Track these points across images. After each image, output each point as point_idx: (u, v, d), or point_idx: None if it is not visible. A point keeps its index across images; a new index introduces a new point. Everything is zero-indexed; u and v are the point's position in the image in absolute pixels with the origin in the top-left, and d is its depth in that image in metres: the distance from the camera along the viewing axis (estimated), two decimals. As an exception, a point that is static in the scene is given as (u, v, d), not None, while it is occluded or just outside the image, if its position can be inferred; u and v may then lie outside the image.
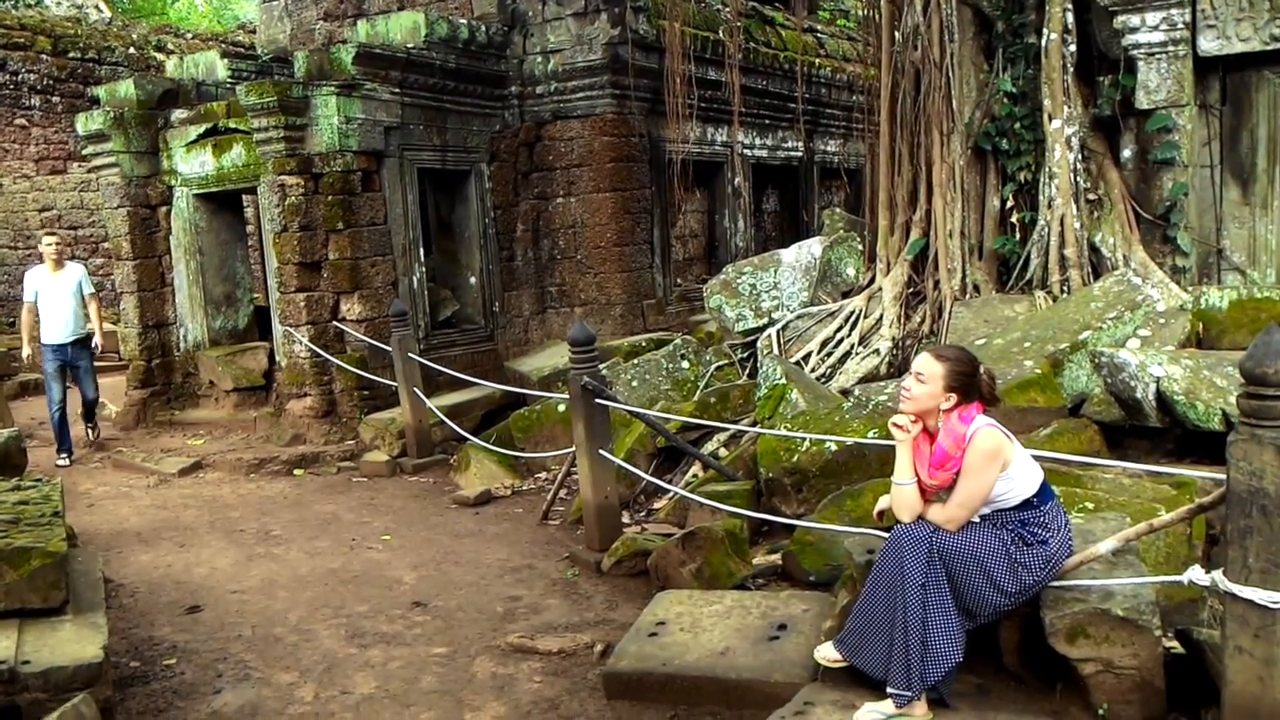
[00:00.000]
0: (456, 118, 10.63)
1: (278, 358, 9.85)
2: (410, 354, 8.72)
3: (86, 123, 10.25)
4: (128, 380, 10.69)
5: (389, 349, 8.91)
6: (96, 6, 19.88)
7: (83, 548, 5.94)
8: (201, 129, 9.97)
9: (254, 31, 16.42)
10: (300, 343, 9.38)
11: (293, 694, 4.60)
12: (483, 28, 10.80)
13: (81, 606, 4.59)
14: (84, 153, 10.84)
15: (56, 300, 9.16)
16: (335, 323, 9.54)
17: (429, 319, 10.49)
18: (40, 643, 4.14)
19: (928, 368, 3.63)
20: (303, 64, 9.34)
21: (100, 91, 10.77)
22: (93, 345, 9.55)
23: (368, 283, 9.58)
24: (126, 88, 10.29)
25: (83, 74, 16.24)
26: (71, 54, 16.25)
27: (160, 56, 16.70)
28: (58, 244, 9.39)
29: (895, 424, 3.68)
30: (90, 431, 9.96)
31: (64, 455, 9.45)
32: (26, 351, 9.54)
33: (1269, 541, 3.08)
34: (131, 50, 17.06)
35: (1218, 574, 3.23)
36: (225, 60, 11.38)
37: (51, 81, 15.95)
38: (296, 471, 8.83)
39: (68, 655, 4.06)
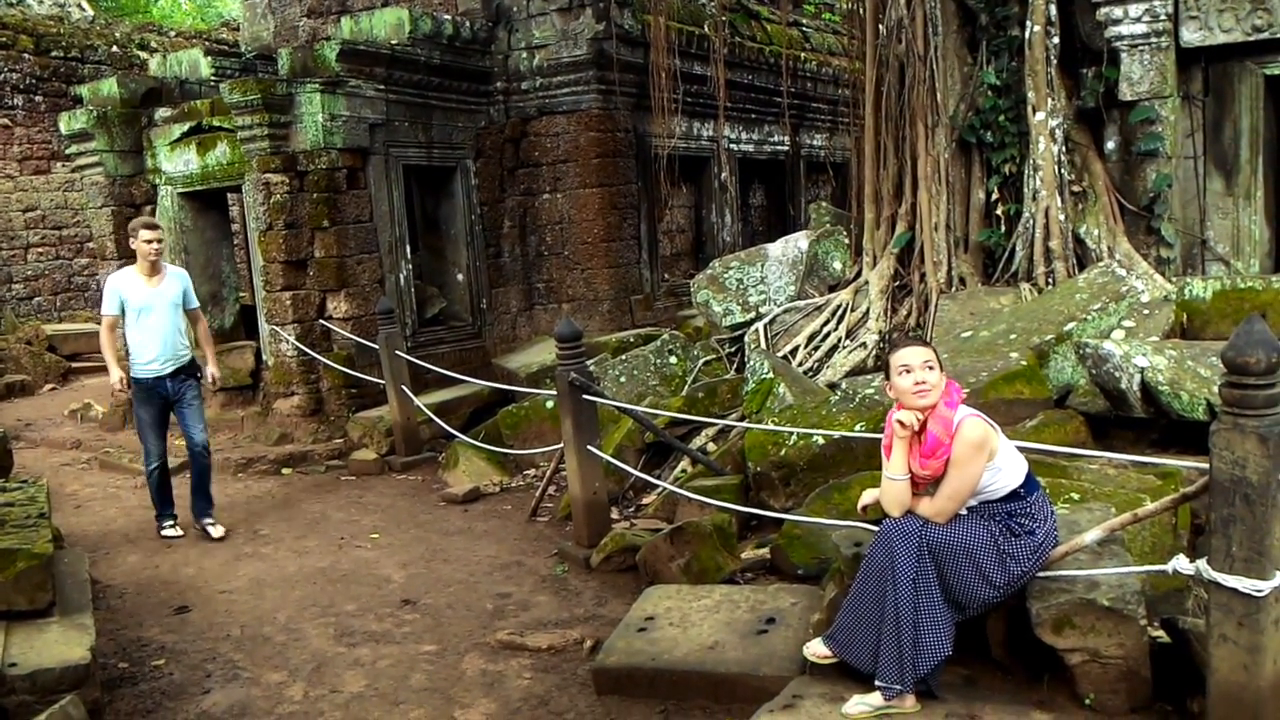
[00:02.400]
0: (442, 114, 10.60)
1: (264, 357, 9.81)
2: (397, 352, 8.70)
3: (70, 122, 10.19)
4: (114, 380, 10.61)
5: (376, 347, 8.89)
6: (79, 5, 19.76)
7: (70, 549, 5.93)
8: (185, 127, 9.92)
9: (237, 29, 16.35)
10: (287, 341, 9.35)
11: (282, 693, 4.59)
12: (467, 24, 10.77)
13: (68, 608, 4.58)
14: (67, 152, 10.78)
15: (152, 316, 6.68)
16: (322, 321, 9.51)
17: (416, 316, 10.47)
18: (27, 645, 4.13)
19: (929, 354, 3.60)
20: (287, 61, 9.30)
21: (83, 90, 10.72)
22: (202, 377, 7.07)
23: (354, 281, 9.56)
24: (109, 86, 10.23)
25: (66, 73, 16.14)
26: (54, 53, 16.14)
27: (143, 55, 16.60)
28: (159, 240, 6.73)
29: (901, 421, 3.62)
30: (205, 522, 7.01)
31: (170, 522, 7.03)
32: (118, 375, 6.80)
33: (1252, 530, 3.10)
34: (114, 49, 16.96)
35: (1202, 563, 3.25)
36: (209, 58, 11.32)
37: (34, 81, 15.85)
38: (284, 471, 8.80)
39: (55, 657, 4.05)
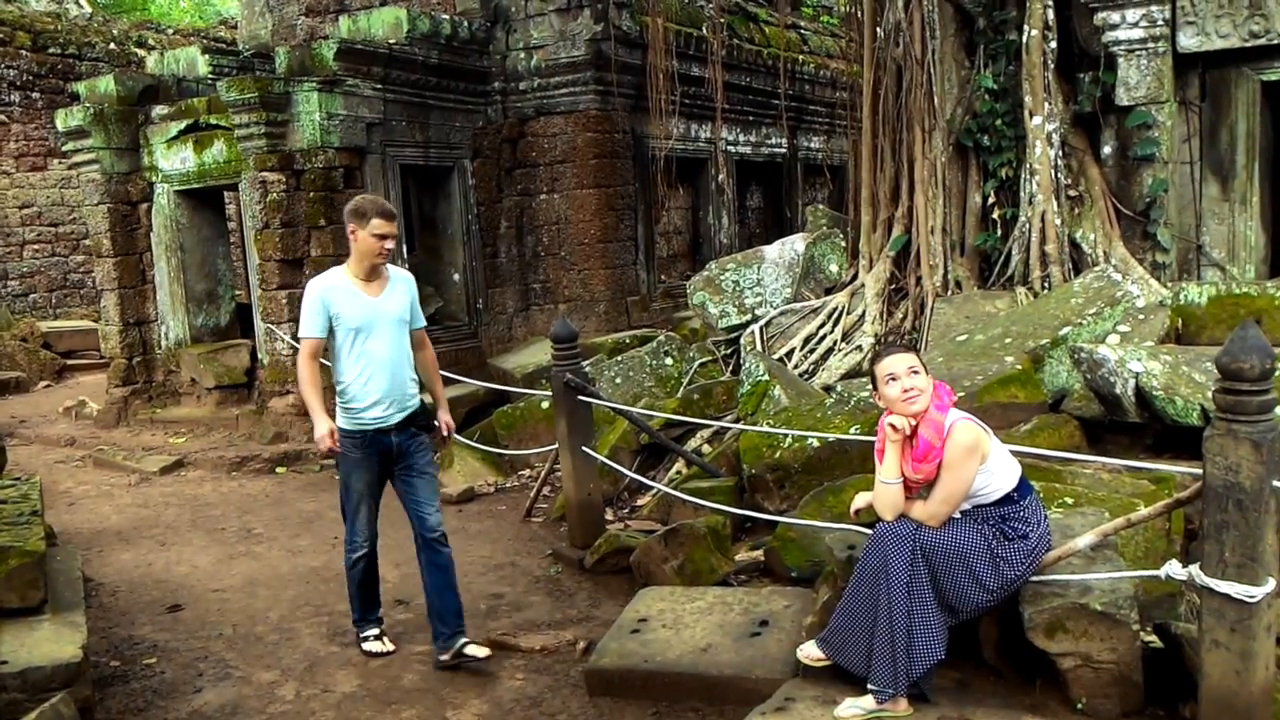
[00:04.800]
0: (439, 114, 10.60)
1: (260, 355, 9.81)
2: (393, 351, 8.67)
3: (66, 119, 10.17)
4: (108, 378, 10.63)
5: (372, 346, 8.85)
6: (77, 2, 19.73)
7: (62, 547, 5.91)
8: (182, 125, 9.91)
9: (235, 27, 16.34)
10: (282, 340, 9.34)
11: (274, 692, 4.59)
12: (465, 23, 10.77)
13: (60, 606, 4.57)
14: (64, 149, 10.76)
15: (375, 339, 4.65)
16: (318, 320, 9.47)
17: (412, 316, 10.43)
18: (18, 642, 4.12)
19: (913, 359, 3.63)
20: (284, 60, 9.29)
21: (80, 88, 10.70)
22: (437, 427, 4.99)
23: (350, 280, 9.53)
24: (106, 84, 10.22)
25: (63, 70, 16.13)
26: (51, 50, 16.13)
27: (141, 52, 16.58)
28: (394, 234, 4.65)
29: (893, 425, 3.63)
30: (461, 643, 4.70)
31: (373, 631, 4.99)
32: (326, 426, 4.60)
33: (1245, 536, 3.11)
34: (112, 46, 16.95)
35: (1194, 568, 3.25)
36: (206, 56, 11.30)
37: (31, 77, 15.83)
38: (279, 469, 8.79)
39: (46, 655, 4.04)
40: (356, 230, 4.55)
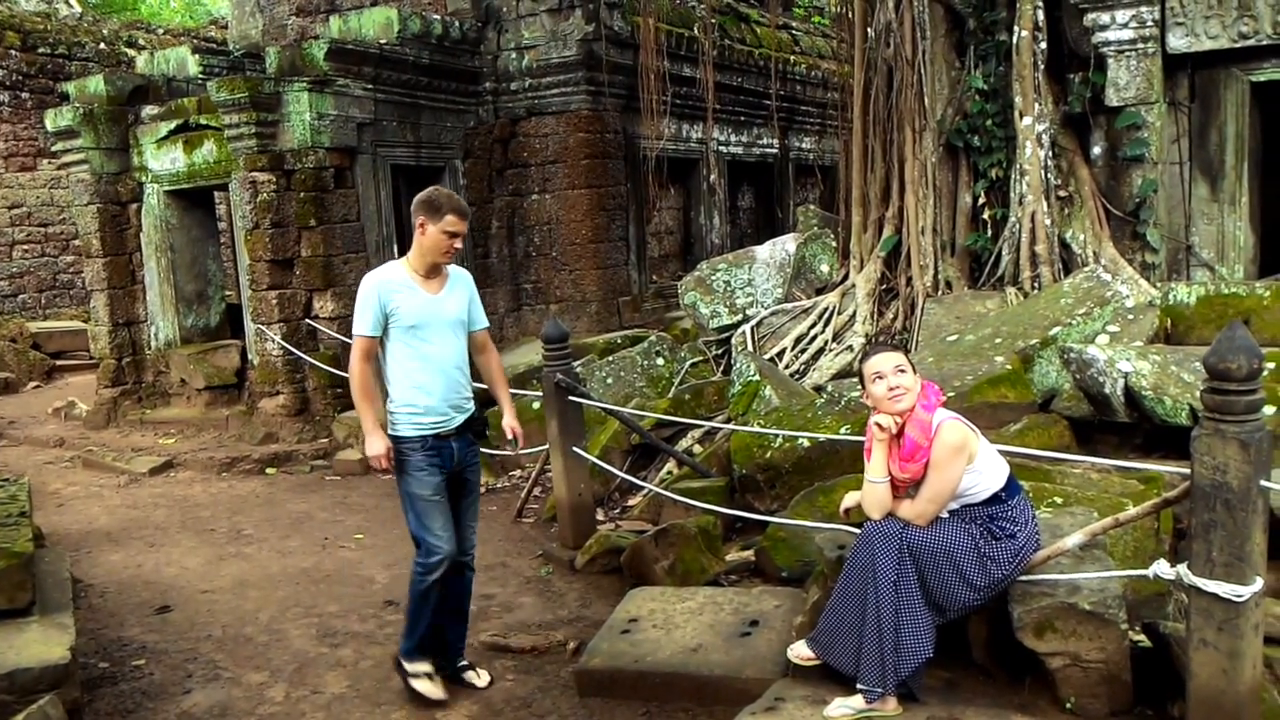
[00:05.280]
0: (430, 114, 10.59)
1: (250, 356, 9.79)
2: (384, 351, 8.66)
3: (56, 119, 10.14)
4: (98, 379, 10.59)
5: (362, 347, 8.84)
6: (67, 2, 19.66)
7: (51, 548, 5.89)
8: (172, 125, 9.89)
9: (226, 27, 16.30)
10: (273, 341, 9.32)
11: (263, 694, 4.57)
12: (456, 24, 10.76)
13: (49, 607, 4.55)
14: (53, 149, 10.73)
15: (433, 340, 4.36)
16: (308, 320, 9.48)
17: (403, 316, 10.42)
18: (5, 644, 4.10)
19: (900, 358, 3.64)
20: (274, 60, 9.27)
21: (70, 88, 10.66)
22: (499, 433, 4.88)
23: (341, 280, 9.52)
24: (96, 84, 10.19)
25: (52, 70, 16.06)
26: (41, 49, 16.07)
27: (131, 52, 16.52)
28: (463, 232, 4.37)
29: (879, 424, 3.64)
30: (461, 665, 4.61)
31: (425, 668, 4.43)
32: (383, 445, 4.28)
33: (1232, 535, 3.12)
34: (102, 46, 16.89)
35: (1182, 568, 3.26)
36: (196, 56, 11.27)
37: (20, 77, 15.77)
38: (269, 470, 8.77)
39: (34, 656, 4.02)
40: (426, 224, 4.25)
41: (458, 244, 4.34)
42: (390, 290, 4.28)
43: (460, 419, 4.42)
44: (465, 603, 4.62)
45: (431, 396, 4.32)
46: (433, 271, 4.38)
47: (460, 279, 4.53)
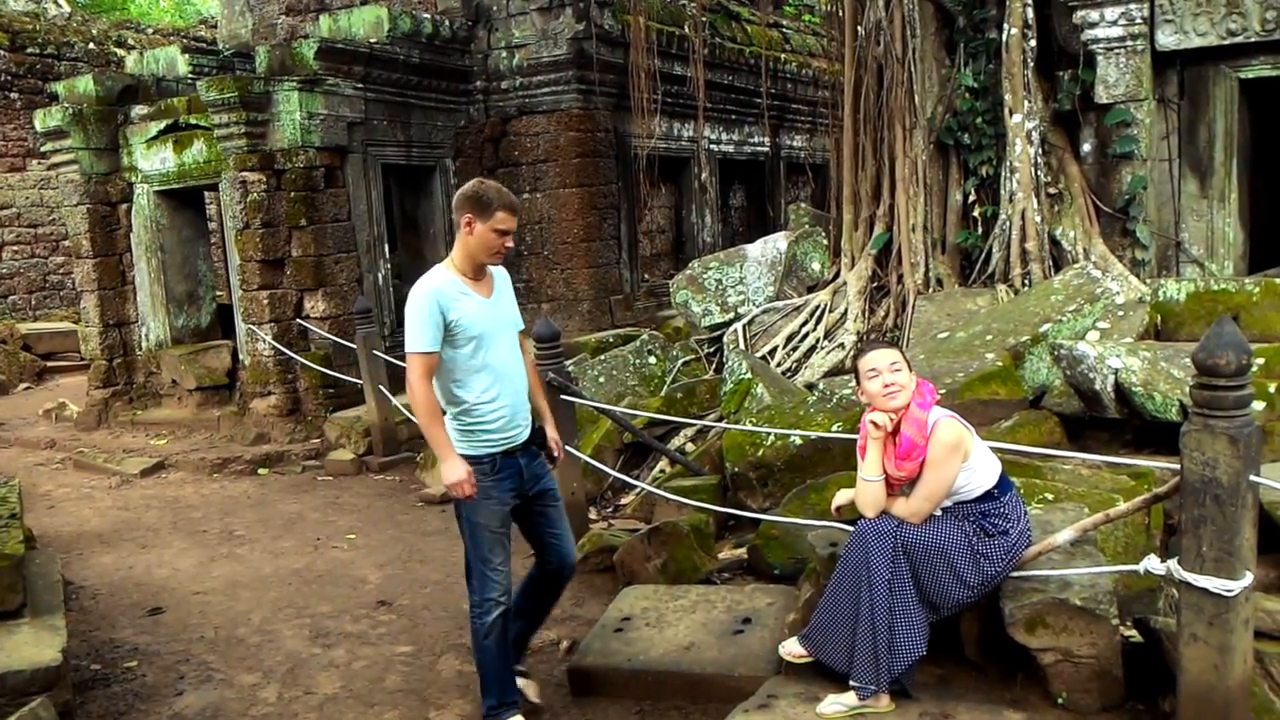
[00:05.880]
0: (420, 113, 10.57)
1: (241, 356, 9.76)
2: (375, 351, 8.67)
3: (45, 119, 10.10)
4: (89, 380, 10.56)
5: (354, 347, 8.86)
6: (56, 1, 19.58)
7: (42, 550, 5.87)
8: (162, 125, 9.86)
9: (215, 27, 16.24)
10: (264, 341, 9.30)
11: (255, 695, 4.56)
12: (446, 22, 10.74)
13: (40, 609, 4.54)
14: (43, 150, 10.70)
15: (495, 348, 3.99)
16: (299, 320, 9.47)
17: (395, 316, 10.43)
18: (-4, 647, 4.09)
19: (895, 355, 3.63)
20: (264, 59, 9.25)
21: (59, 88, 10.62)
22: (549, 449, 4.26)
23: (332, 280, 9.52)
24: (86, 84, 10.15)
25: (42, 70, 16.01)
26: (30, 49, 16.01)
27: (120, 52, 16.48)
28: (514, 226, 4.01)
29: (874, 422, 3.63)
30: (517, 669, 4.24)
31: (514, 714, 4.02)
32: (463, 470, 3.80)
33: (1222, 530, 3.12)
34: (91, 46, 16.83)
35: (1173, 563, 3.27)
36: (186, 56, 11.25)
37: (9, 77, 15.71)
38: (261, 471, 8.75)
39: (25, 659, 4.01)
40: (474, 222, 3.86)
41: (508, 242, 3.96)
42: (448, 299, 3.84)
43: (527, 432, 4.06)
44: (549, 607, 4.36)
45: (500, 410, 3.93)
46: (480, 273, 4.01)
47: (502, 278, 4.17)
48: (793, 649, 3.86)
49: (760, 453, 5.99)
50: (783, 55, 14.15)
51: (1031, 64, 7.18)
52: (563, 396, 6.07)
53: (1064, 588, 3.57)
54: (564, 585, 4.31)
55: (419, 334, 3.79)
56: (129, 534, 7.12)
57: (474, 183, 3.97)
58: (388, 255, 10.31)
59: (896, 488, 3.68)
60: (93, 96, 10.05)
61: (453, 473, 3.79)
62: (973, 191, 7.60)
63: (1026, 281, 7.09)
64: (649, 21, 10.96)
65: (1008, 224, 7.23)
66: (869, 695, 3.57)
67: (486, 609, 3.95)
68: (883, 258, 7.93)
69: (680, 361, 8.57)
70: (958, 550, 3.56)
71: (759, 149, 14.39)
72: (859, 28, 8.05)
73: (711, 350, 8.65)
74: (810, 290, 8.45)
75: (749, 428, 6.02)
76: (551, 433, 4.26)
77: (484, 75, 11.17)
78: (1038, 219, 7.13)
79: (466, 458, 3.87)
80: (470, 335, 3.86)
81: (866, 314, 7.77)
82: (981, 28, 7.49)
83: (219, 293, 11.15)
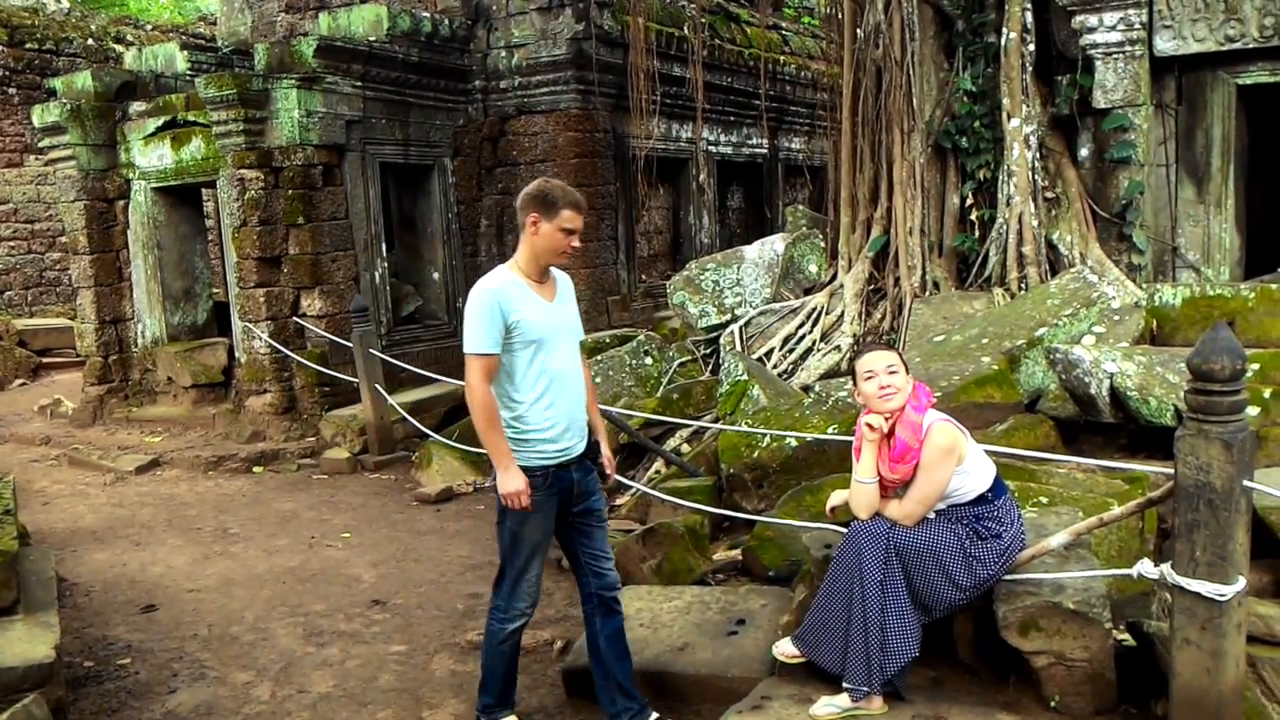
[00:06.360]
0: (419, 112, 10.57)
1: (237, 354, 9.76)
2: (372, 350, 8.66)
3: (43, 115, 10.09)
4: (84, 376, 10.54)
5: (350, 345, 8.85)
6: (54, -3, 19.54)
7: (36, 546, 5.86)
8: (160, 122, 9.85)
9: (214, 23, 16.23)
10: (260, 339, 9.29)
11: (249, 693, 4.56)
12: (446, 21, 10.74)
13: (33, 606, 4.53)
14: (40, 145, 10.69)
15: (556, 354, 3.84)
16: (296, 318, 9.46)
17: (391, 315, 10.43)
18: (-11, 643, 4.08)
19: (893, 358, 3.64)
20: (263, 56, 9.24)
21: (57, 83, 10.61)
22: (601, 464, 4.07)
23: (329, 278, 9.51)
24: (84, 79, 10.14)
25: (40, 65, 15.98)
26: (28, 45, 15.98)
27: (119, 48, 16.46)
28: (581, 226, 3.86)
29: (869, 424, 3.65)
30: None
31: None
32: (523, 481, 3.69)
33: (1215, 535, 3.13)
34: (90, 41, 16.81)
35: (1166, 567, 3.27)
36: (185, 52, 11.24)
37: (7, 73, 15.68)
38: (256, 469, 8.75)
39: (18, 655, 4.00)
40: (539, 221, 3.74)
41: (575, 242, 3.82)
42: (511, 300, 3.70)
43: (582, 445, 3.91)
44: (625, 639, 4.00)
45: (558, 421, 3.79)
46: (544, 275, 3.85)
47: (565, 282, 4.00)
48: (786, 649, 3.86)
49: (756, 454, 5.99)
50: (782, 57, 14.16)
51: (1030, 68, 7.19)
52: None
53: (1058, 591, 3.58)
54: (616, 615, 3.97)
55: (479, 334, 3.67)
56: (123, 531, 7.11)
57: (539, 181, 3.87)
58: (385, 254, 10.31)
59: (890, 490, 3.69)
60: (91, 92, 10.03)
61: (512, 482, 3.67)
62: (970, 195, 7.60)
63: (1023, 285, 7.09)
64: (648, 22, 10.96)
65: (1005, 228, 7.23)
66: (862, 697, 3.57)
67: (511, 617, 3.89)
68: (880, 260, 7.94)
69: (677, 363, 8.57)
70: (950, 553, 3.57)
71: (757, 151, 14.39)
72: (858, 30, 8.06)
73: (708, 352, 8.65)
74: (807, 292, 8.46)
75: (745, 429, 6.03)
76: (605, 449, 4.08)
77: (483, 74, 11.16)
78: (1035, 223, 7.13)
79: (529, 467, 3.73)
80: (530, 339, 3.72)
81: (863, 316, 7.78)
82: (980, 32, 7.50)
83: (216, 290, 11.14)
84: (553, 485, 3.78)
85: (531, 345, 3.73)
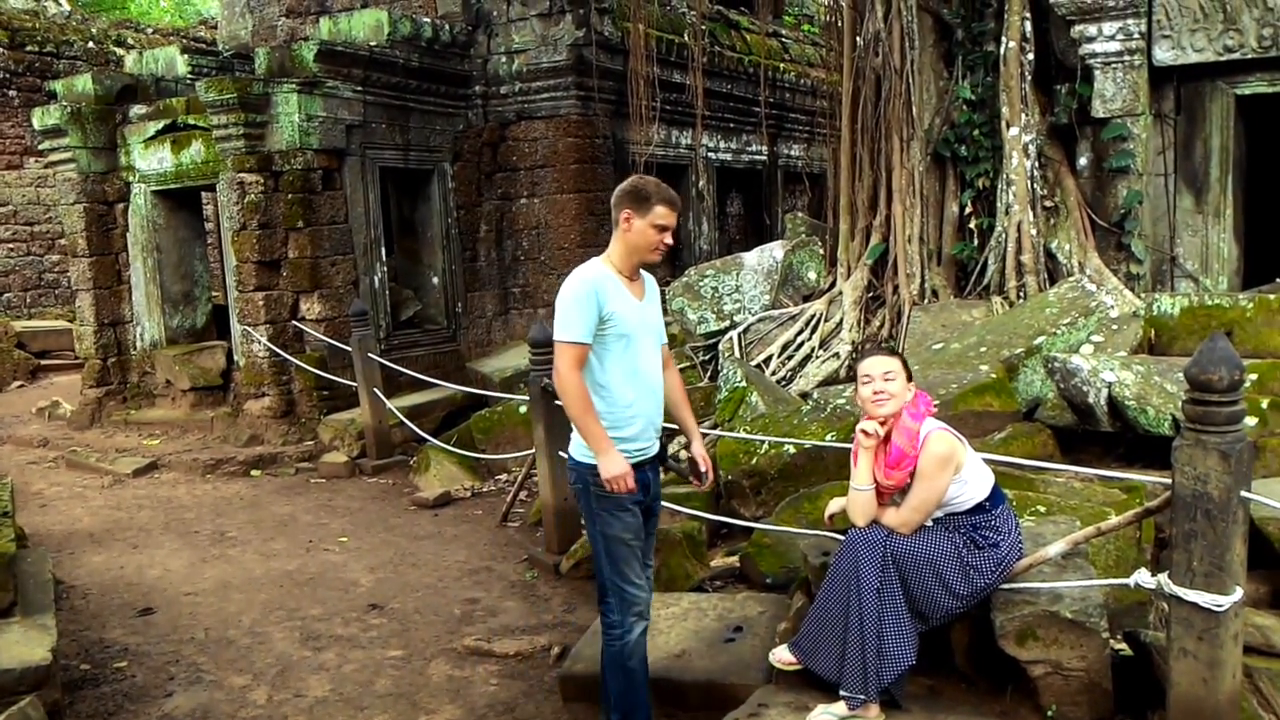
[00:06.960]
0: (419, 117, 10.58)
1: (236, 357, 9.75)
2: (370, 354, 8.66)
3: (43, 117, 10.09)
4: (83, 379, 10.53)
5: (349, 349, 8.85)
6: (56, 0, 19.57)
7: (33, 548, 5.85)
8: (160, 125, 9.86)
9: (215, 27, 16.25)
10: (259, 342, 9.29)
11: (245, 697, 4.56)
12: (447, 27, 10.76)
13: (30, 608, 4.53)
14: (40, 148, 10.67)
15: (642, 352, 3.80)
16: (294, 322, 9.46)
17: (390, 319, 10.43)
18: (-14, 645, 4.08)
19: (892, 364, 3.65)
20: (264, 61, 9.25)
21: (58, 86, 10.61)
22: (696, 465, 4.05)
23: (328, 282, 9.51)
24: (84, 82, 10.15)
25: (40, 68, 15.98)
26: (29, 47, 15.99)
27: (120, 51, 16.46)
28: (674, 223, 3.81)
29: (865, 430, 3.65)
30: None
31: None
32: (625, 464, 3.62)
33: (1213, 545, 3.13)
34: (90, 45, 16.82)
35: (1163, 577, 3.28)
36: (185, 56, 11.23)
37: (8, 75, 15.69)
38: (254, 472, 8.74)
39: (14, 658, 4.00)
40: (632, 218, 3.70)
41: (668, 239, 3.75)
42: (607, 292, 3.66)
43: (655, 446, 3.87)
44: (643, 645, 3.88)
45: (640, 418, 3.75)
46: (635, 273, 3.81)
47: (653, 284, 3.96)
48: (783, 656, 3.86)
49: (754, 461, 6.00)
50: (782, 65, 14.18)
51: (1029, 77, 7.21)
52: (556, 401, 6.07)
53: (1055, 600, 3.58)
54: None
55: (573, 322, 3.60)
56: (121, 534, 7.10)
57: (633, 178, 3.81)
58: (384, 258, 10.30)
59: (887, 497, 3.69)
60: (91, 95, 10.04)
61: (615, 465, 3.58)
62: (969, 203, 7.62)
63: (1021, 294, 7.11)
64: (648, 29, 10.97)
65: (1003, 236, 7.25)
66: (858, 705, 3.57)
67: (629, 627, 3.73)
68: (878, 268, 7.95)
69: (675, 369, 8.57)
70: (947, 561, 3.57)
71: (757, 158, 14.41)
72: (858, 38, 8.08)
73: (707, 358, 8.65)
74: (806, 299, 8.47)
75: (743, 436, 6.03)
76: (698, 448, 4.02)
77: (483, 80, 11.18)
78: (1033, 232, 7.15)
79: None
80: (622, 333, 3.68)
81: (862, 324, 7.79)
82: (980, 40, 7.52)
83: (215, 293, 11.14)
84: (637, 483, 3.68)
85: (622, 339, 3.68)
